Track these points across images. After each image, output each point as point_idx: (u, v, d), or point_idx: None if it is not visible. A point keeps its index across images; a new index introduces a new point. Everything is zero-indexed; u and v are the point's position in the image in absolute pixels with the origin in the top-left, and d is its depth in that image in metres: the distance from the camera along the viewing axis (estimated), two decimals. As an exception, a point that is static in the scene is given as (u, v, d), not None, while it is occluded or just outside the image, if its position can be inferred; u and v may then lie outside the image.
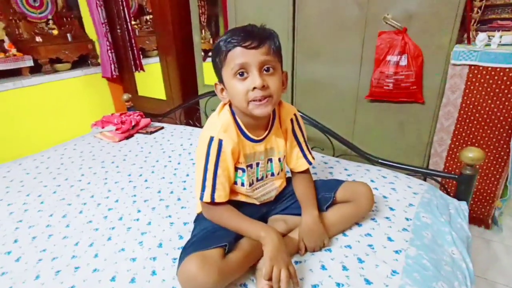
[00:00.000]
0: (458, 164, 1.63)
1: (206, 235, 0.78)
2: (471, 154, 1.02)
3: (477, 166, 1.07)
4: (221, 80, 0.79)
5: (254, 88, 0.73)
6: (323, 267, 0.80)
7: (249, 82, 0.73)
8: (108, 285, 0.78)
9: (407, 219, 0.95)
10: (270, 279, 0.70)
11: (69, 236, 0.97)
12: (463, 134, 1.59)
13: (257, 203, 0.91)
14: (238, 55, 0.72)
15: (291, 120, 0.91)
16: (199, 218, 0.90)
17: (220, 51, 0.74)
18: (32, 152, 1.64)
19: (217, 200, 0.80)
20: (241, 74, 0.73)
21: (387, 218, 0.96)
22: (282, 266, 0.70)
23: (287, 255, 0.74)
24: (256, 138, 0.85)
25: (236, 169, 0.84)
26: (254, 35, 0.72)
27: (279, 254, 0.72)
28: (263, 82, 0.72)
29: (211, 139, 0.79)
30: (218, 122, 0.81)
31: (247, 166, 0.85)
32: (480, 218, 1.67)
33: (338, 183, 0.94)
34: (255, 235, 0.76)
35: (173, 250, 0.88)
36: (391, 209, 1.00)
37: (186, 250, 0.72)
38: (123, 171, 1.37)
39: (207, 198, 0.80)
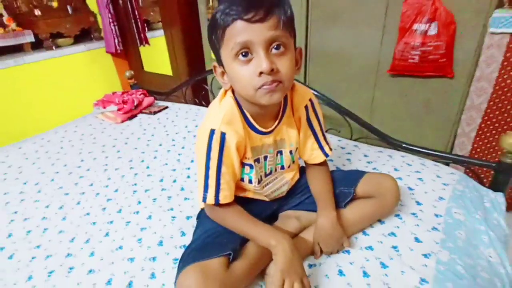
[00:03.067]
0: (489, 146, 1.48)
1: (208, 241, 0.69)
2: (514, 140, 0.88)
3: (519, 154, 0.93)
4: (220, 62, 0.65)
5: (261, 73, 0.58)
6: (340, 273, 0.71)
7: (254, 65, 0.58)
8: (103, 289, 0.71)
9: (437, 215, 0.84)
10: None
11: (65, 230, 0.91)
12: (497, 112, 1.42)
13: (267, 199, 0.81)
14: (239, 31, 0.56)
15: (306, 107, 0.76)
16: (202, 215, 0.80)
17: (217, 26, 0.59)
18: (35, 131, 1.59)
19: (222, 201, 0.69)
20: (244, 55, 0.58)
21: (413, 214, 0.85)
22: (295, 279, 0.61)
23: (300, 265, 0.64)
24: (264, 130, 0.72)
25: (242, 164, 0.73)
26: (259, 4, 0.56)
27: (291, 266, 0.62)
28: (271, 65, 0.57)
29: (212, 132, 0.66)
30: (220, 113, 0.67)
31: (255, 161, 0.74)
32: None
33: (358, 175, 0.82)
34: (265, 243, 0.66)
35: (174, 249, 0.80)
36: (418, 203, 0.89)
37: (185, 259, 0.63)
38: (124, 156, 1.29)
39: (210, 200, 0.69)
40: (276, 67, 0.59)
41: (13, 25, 2.37)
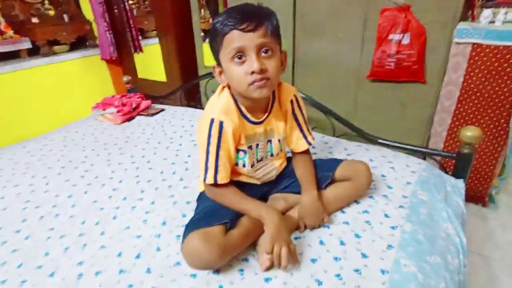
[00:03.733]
0: (458, 144, 1.64)
1: (208, 214, 0.81)
2: (470, 133, 1.03)
3: (475, 145, 1.07)
4: (219, 63, 0.79)
5: (253, 72, 0.72)
6: (321, 242, 0.83)
7: (247, 66, 0.73)
8: (115, 261, 0.81)
9: (404, 196, 0.97)
10: (271, 253, 0.73)
11: (75, 215, 1.00)
12: (464, 113, 1.59)
13: (259, 183, 0.94)
14: (235, 39, 0.71)
15: (291, 101, 0.91)
16: (202, 197, 0.92)
17: (217, 34, 0.73)
18: (33, 136, 1.66)
19: (219, 181, 0.82)
20: (239, 58, 0.73)
21: (384, 196, 0.98)
22: (282, 244, 0.73)
23: (287, 233, 0.77)
24: (256, 120, 0.86)
25: (237, 150, 0.86)
26: (251, 17, 0.71)
27: (279, 233, 0.74)
28: (261, 65, 0.72)
29: (212, 121, 0.79)
30: (219, 104, 0.82)
31: (248, 148, 0.87)
32: (478, 196, 1.70)
33: (337, 162, 0.96)
34: (256, 214, 0.79)
35: (176, 228, 0.91)
36: (389, 187, 1.02)
37: (189, 228, 0.75)
38: (125, 153, 1.39)
39: (210, 180, 0.81)
40: (265, 67, 0.73)
41: (10, 33, 2.45)
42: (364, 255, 0.78)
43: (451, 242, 0.85)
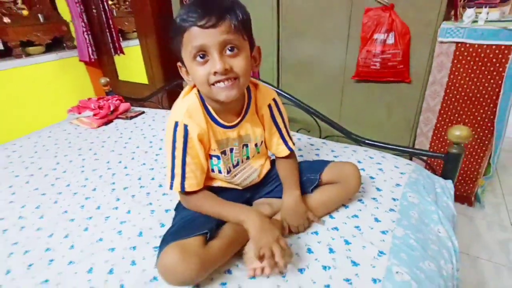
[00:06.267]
0: (443, 143, 1.64)
1: (186, 223, 0.74)
2: (458, 132, 1.01)
3: (463, 145, 1.05)
4: (182, 62, 0.72)
5: (215, 72, 0.65)
6: (309, 251, 0.78)
7: (209, 65, 0.65)
8: (84, 277, 0.74)
9: (394, 199, 0.94)
10: (261, 259, 0.68)
11: (42, 227, 0.92)
12: (449, 113, 1.58)
13: (240, 188, 0.88)
14: (194, 36, 0.63)
15: (269, 106, 0.84)
16: (181, 205, 0.85)
17: (176, 30, 0.66)
18: (4, 140, 1.55)
19: (187, 189, 0.75)
20: (201, 57, 0.65)
21: (374, 199, 0.94)
22: (271, 243, 0.67)
23: (272, 230, 0.70)
24: (227, 124, 0.78)
25: (210, 156, 0.79)
26: (211, 11, 0.62)
27: (263, 233, 0.68)
28: (224, 65, 0.64)
29: (176, 124, 0.72)
30: (183, 107, 0.74)
31: (221, 153, 0.80)
32: (464, 196, 1.70)
33: (324, 164, 0.91)
34: (235, 219, 0.73)
35: (153, 238, 0.84)
36: (378, 189, 0.98)
37: (165, 240, 0.68)
38: (101, 158, 1.31)
39: (176, 187, 0.75)
40: (230, 66, 0.66)
41: (-20, 33, 2.32)
42: (354, 263, 0.73)
43: (443, 246, 0.81)
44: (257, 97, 0.83)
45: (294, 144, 0.91)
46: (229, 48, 0.65)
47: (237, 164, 0.85)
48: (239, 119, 0.80)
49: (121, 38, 2.89)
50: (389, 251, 0.76)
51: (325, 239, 0.81)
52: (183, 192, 0.76)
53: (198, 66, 0.66)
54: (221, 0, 0.65)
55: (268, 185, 0.92)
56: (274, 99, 0.85)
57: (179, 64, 0.75)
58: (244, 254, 0.75)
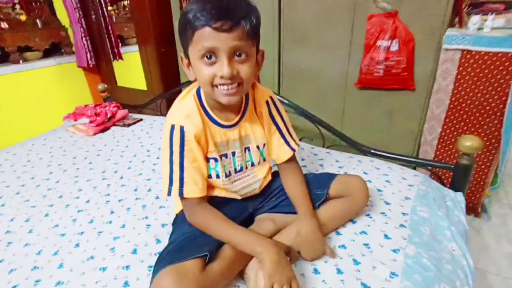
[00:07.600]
0: (449, 152, 1.59)
1: (184, 243, 0.69)
2: (469, 142, 0.96)
3: (474, 155, 1.01)
4: (187, 55, 0.69)
5: (222, 76, 0.64)
6: (315, 271, 0.72)
7: (216, 68, 0.64)
8: (73, 300, 0.68)
9: (403, 213, 0.89)
10: None
11: (31, 243, 0.86)
12: (454, 122, 1.54)
13: (239, 197, 0.82)
14: (206, 37, 0.61)
15: (267, 102, 0.81)
16: (178, 221, 0.80)
17: (187, 26, 0.63)
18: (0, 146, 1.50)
19: (186, 195, 0.70)
20: (209, 57, 0.63)
21: (382, 213, 0.89)
22: (284, 282, 0.61)
23: (289, 269, 0.64)
24: (226, 124, 0.75)
25: (207, 159, 0.75)
26: (228, 14, 0.60)
27: (278, 270, 0.62)
28: (232, 71, 0.63)
29: (172, 127, 0.70)
30: (179, 109, 0.73)
31: (221, 156, 0.76)
32: (470, 207, 1.65)
33: (330, 177, 0.85)
34: (249, 249, 0.67)
35: (149, 256, 0.78)
36: (387, 203, 0.93)
37: (161, 262, 0.63)
38: (96, 167, 1.26)
39: (175, 193, 0.70)
40: (237, 71, 0.64)
41: (-23, 38, 2.29)
42: (365, 286, 0.68)
43: (458, 265, 0.76)
44: (256, 95, 0.80)
45: (298, 144, 0.86)
46: (238, 54, 0.64)
47: (241, 170, 0.81)
48: (238, 117, 0.77)
49: (120, 44, 2.86)
50: (402, 272, 0.70)
51: (332, 259, 0.75)
52: (182, 197, 0.71)
53: (204, 66, 0.65)
54: (239, 3, 0.63)
55: (272, 199, 0.87)
56: (271, 97, 0.83)
57: (181, 55, 0.72)
58: (246, 275, 0.69)
